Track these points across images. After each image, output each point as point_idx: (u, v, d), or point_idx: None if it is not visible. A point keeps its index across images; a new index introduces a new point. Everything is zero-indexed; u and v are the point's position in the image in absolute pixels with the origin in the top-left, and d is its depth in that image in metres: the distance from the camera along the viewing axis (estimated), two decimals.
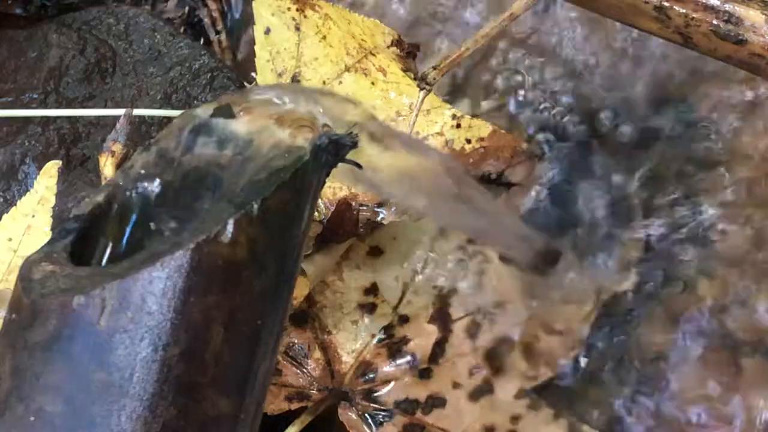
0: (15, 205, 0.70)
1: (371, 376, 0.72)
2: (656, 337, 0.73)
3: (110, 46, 0.84)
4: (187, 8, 0.91)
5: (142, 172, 0.47)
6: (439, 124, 0.79)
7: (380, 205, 0.77)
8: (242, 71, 0.87)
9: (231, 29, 0.90)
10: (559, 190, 0.78)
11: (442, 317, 0.73)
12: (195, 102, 0.82)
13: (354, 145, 0.49)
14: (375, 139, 0.53)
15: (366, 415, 0.71)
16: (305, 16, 0.81)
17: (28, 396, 0.42)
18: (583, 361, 0.73)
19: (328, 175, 0.50)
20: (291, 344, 0.72)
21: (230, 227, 0.43)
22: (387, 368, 0.72)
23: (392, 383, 0.72)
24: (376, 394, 0.71)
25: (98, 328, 0.41)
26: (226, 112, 0.48)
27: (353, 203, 0.73)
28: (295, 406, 0.71)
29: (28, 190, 0.71)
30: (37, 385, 0.42)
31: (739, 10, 0.62)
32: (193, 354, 0.42)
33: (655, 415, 0.71)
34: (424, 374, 0.72)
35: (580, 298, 0.74)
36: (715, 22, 0.62)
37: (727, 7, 0.62)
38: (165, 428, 0.42)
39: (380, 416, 0.71)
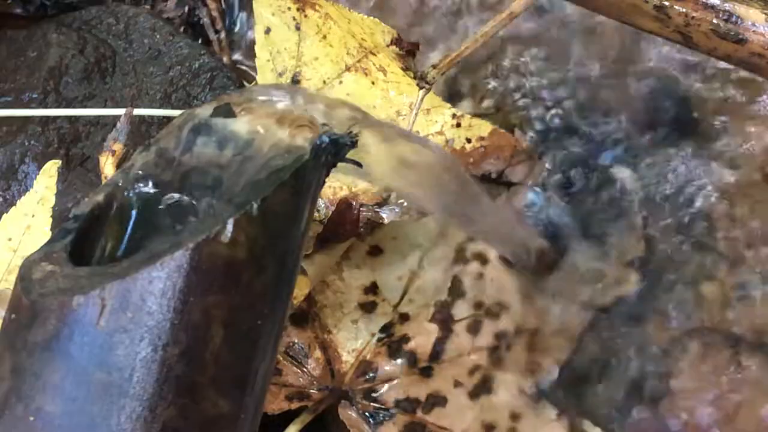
0: (15, 204, 0.70)
1: (371, 375, 0.72)
2: (657, 336, 0.73)
3: (110, 45, 0.84)
4: (186, 8, 0.91)
5: (142, 171, 0.47)
6: (440, 123, 0.79)
7: (380, 205, 0.77)
8: (242, 71, 0.87)
9: (230, 29, 0.90)
10: (558, 190, 0.78)
11: (442, 316, 0.73)
12: (195, 101, 0.82)
13: (354, 144, 0.49)
14: (378, 137, 0.53)
15: (366, 414, 0.71)
16: (306, 16, 0.81)
17: (27, 396, 0.42)
18: (583, 360, 0.73)
19: (328, 174, 0.50)
20: (291, 344, 0.72)
21: (230, 227, 0.43)
22: (387, 367, 0.72)
23: (393, 382, 0.72)
24: (376, 393, 0.71)
25: (98, 328, 0.41)
26: (226, 111, 0.48)
27: (353, 203, 0.73)
28: (295, 405, 0.71)
29: (27, 190, 0.71)
30: (36, 385, 0.42)
31: (739, 9, 0.62)
32: (193, 354, 0.42)
33: (656, 415, 0.71)
34: (425, 373, 0.72)
35: (581, 297, 0.74)
36: (715, 21, 0.62)
37: (727, 6, 0.62)
38: (165, 428, 0.42)
39: (381, 415, 0.71)
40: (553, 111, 0.81)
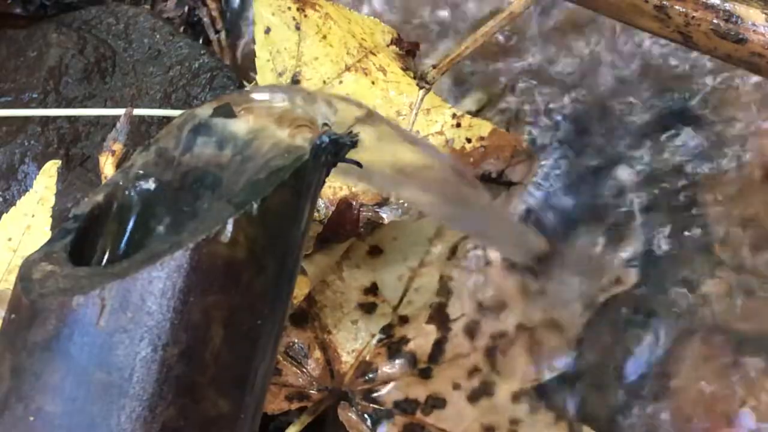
0: (15, 204, 0.70)
1: (371, 376, 0.72)
2: (657, 336, 0.73)
3: (110, 45, 0.84)
4: (186, 7, 0.91)
5: (142, 171, 0.47)
6: (440, 123, 0.79)
7: (380, 205, 0.77)
8: (242, 71, 0.87)
9: (230, 28, 0.90)
10: (558, 190, 0.78)
11: (441, 317, 0.73)
12: (195, 101, 0.82)
13: (354, 144, 0.49)
14: (377, 137, 0.53)
15: (366, 415, 0.71)
16: (305, 16, 0.81)
17: (27, 396, 0.42)
18: (583, 361, 0.73)
19: (327, 174, 0.50)
20: (291, 344, 0.72)
21: (230, 227, 0.42)
22: (387, 368, 0.72)
23: (392, 383, 0.72)
24: (375, 394, 0.71)
25: (98, 328, 0.41)
26: (226, 111, 0.48)
27: (353, 203, 0.73)
28: (295, 406, 0.71)
29: (27, 190, 0.71)
30: (36, 385, 0.42)
31: (740, 8, 0.62)
32: (192, 354, 0.42)
33: (656, 415, 0.71)
34: (424, 374, 0.72)
35: (580, 297, 0.74)
36: (715, 21, 0.62)
37: (727, 6, 0.62)
38: (165, 428, 0.42)
39: (380, 416, 0.71)
40: (552, 110, 0.81)
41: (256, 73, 0.80)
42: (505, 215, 0.76)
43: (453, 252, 0.75)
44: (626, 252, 0.75)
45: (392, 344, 0.73)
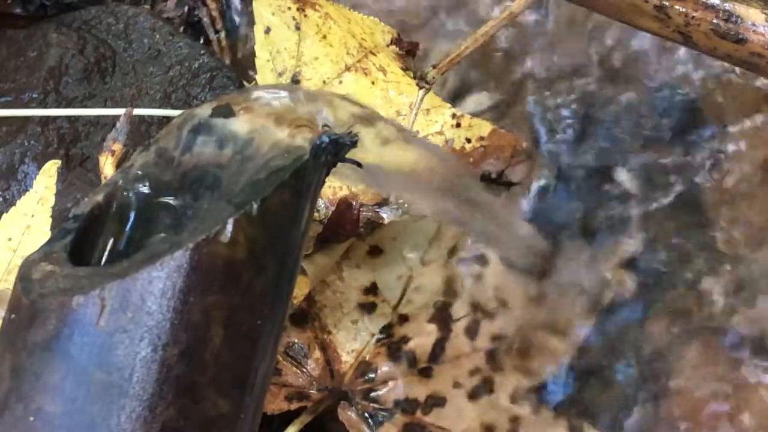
0: (15, 204, 0.70)
1: (371, 375, 0.72)
2: (657, 336, 0.73)
3: (110, 45, 0.84)
4: (186, 7, 0.91)
5: (142, 171, 0.47)
6: (439, 123, 0.79)
7: (380, 205, 0.77)
8: (242, 71, 0.87)
9: (230, 28, 0.90)
10: (558, 190, 0.78)
11: (442, 317, 0.73)
12: (194, 101, 0.82)
13: (354, 144, 0.50)
14: (378, 137, 0.53)
15: (366, 414, 0.71)
16: (305, 16, 0.81)
17: (27, 396, 0.42)
18: (583, 361, 0.73)
19: (327, 174, 0.50)
20: (291, 344, 0.72)
21: (230, 227, 0.43)
22: (387, 368, 0.72)
23: (392, 383, 0.72)
24: (375, 394, 0.71)
25: (98, 328, 0.41)
26: (226, 111, 0.48)
27: (353, 203, 0.73)
28: (294, 406, 0.71)
29: (27, 190, 0.71)
30: (36, 385, 0.42)
31: (739, 8, 0.62)
32: (192, 354, 0.42)
33: (656, 415, 0.71)
34: (424, 374, 0.72)
35: (580, 297, 0.74)
36: (715, 21, 0.62)
37: (727, 6, 0.62)
38: (164, 428, 0.42)
39: (380, 416, 0.71)
40: (553, 110, 0.81)
41: (256, 73, 0.80)
42: (505, 215, 0.76)
43: (453, 252, 0.75)
44: (626, 252, 0.75)
45: (392, 344, 0.73)
